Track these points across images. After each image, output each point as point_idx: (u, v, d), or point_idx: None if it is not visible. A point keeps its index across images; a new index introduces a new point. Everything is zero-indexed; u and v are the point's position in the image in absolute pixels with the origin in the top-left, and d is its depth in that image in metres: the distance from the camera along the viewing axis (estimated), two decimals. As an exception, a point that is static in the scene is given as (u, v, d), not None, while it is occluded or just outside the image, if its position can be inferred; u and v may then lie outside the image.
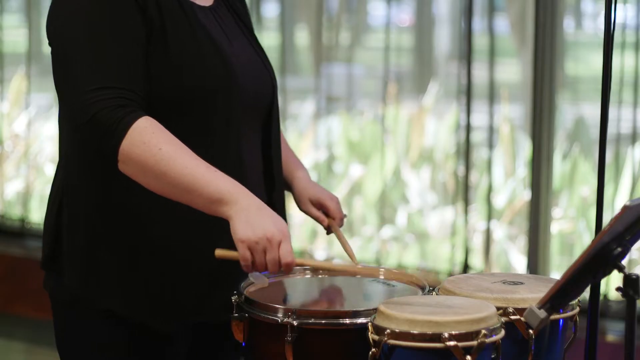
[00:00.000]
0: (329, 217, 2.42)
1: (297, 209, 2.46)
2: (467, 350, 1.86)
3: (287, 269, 2.04)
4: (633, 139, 4.38)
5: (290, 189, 2.46)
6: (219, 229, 2.12)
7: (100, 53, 2.06)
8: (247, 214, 2.01)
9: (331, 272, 2.32)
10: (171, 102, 2.13)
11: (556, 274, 4.44)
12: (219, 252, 2.07)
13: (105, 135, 2.02)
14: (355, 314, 1.99)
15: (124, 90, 2.05)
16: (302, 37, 5.59)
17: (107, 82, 2.04)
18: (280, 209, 2.34)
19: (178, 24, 2.15)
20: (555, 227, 4.62)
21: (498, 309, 1.97)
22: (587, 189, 4.76)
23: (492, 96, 4.62)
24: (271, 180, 2.33)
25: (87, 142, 2.08)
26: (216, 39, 2.20)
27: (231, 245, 2.05)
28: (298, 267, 2.29)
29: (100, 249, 2.17)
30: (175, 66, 2.13)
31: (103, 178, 2.15)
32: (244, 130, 2.23)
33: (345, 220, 2.44)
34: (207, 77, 2.16)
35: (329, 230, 2.43)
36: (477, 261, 4.73)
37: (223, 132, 2.18)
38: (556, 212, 4.68)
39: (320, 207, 2.42)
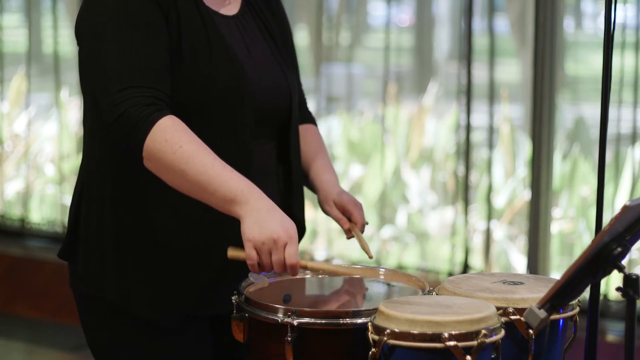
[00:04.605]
0: (351, 222, 2.42)
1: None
2: (467, 350, 1.86)
3: (291, 270, 2.06)
4: (633, 139, 4.38)
5: (315, 189, 2.47)
6: (226, 225, 2.16)
7: (129, 54, 2.13)
8: (257, 215, 2.05)
9: (333, 274, 2.32)
10: (182, 107, 2.17)
11: (556, 274, 4.44)
12: (231, 253, 2.11)
13: (132, 133, 2.08)
14: (355, 314, 1.99)
15: (152, 90, 2.11)
16: (302, 37, 5.59)
17: (136, 82, 2.10)
18: (299, 215, 2.37)
19: (194, 32, 2.20)
20: (555, 227, 4.62)
21: (498, 309, 1.97)
22: (587, 189, 4.76)
23: (492, 96, 4.62)
24: (290, 186, 2.37)
25: (116, 140, 2.14)
26: (232, 48, 2.25)
27: (238, 241, 2.08)
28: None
29: (109, 243, 2.23)
30: (188, 72, 2.18)
31: (117, 172, 2.22)
32: (257, 138, 2.27)
33: (366, 227, 2.44)
34: (218, 85, 2.20)
35: (349, 235, 2.42)
36: (477, 261, 4.73)
37: (231, 138, 2.22)
38: (556, 212, 4.68)
39: (344, 211, 2.42)
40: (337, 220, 2.43)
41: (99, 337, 2.30)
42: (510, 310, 2.00)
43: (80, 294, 2.31)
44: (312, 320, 1.98)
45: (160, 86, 2.13)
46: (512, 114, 5.14)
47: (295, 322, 1.97)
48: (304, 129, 2.50)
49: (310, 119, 2.55)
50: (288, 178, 2.38)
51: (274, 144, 2.34)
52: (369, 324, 1.93)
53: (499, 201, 4.99)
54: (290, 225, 2.07)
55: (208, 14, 2.24)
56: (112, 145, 2.20)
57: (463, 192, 4.73)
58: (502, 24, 5.21)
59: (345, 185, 5.22)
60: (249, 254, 2.05)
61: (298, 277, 2.29)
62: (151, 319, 2.23)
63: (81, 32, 2.23)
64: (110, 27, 2.15)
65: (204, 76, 2.19)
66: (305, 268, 2.13)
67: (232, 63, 2.23)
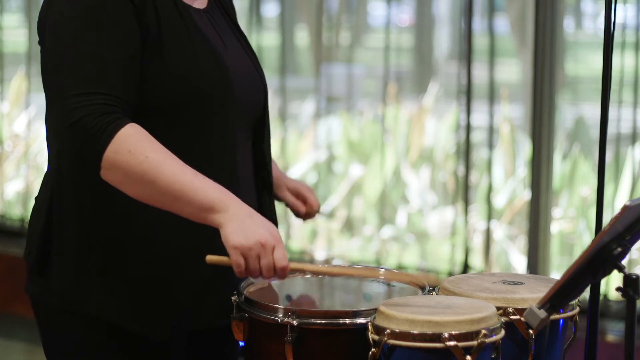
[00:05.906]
0: (306, 206, 2.49)
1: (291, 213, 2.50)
2: (467, 350, 1.86)
3: (281, 273, 2.03)
4: (633, 139, 4.38)
5: None
6: (211, 234, 2.10)
7: (88, 57, 2.01)
8: (238, 221, 1.99)
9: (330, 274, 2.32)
10: (167, 108, 2.10)
11: (556, 274, 4.44)
12: (210, 258, 2.05)
13: (89, 142, 1.97)
14: (355, 314, 1.99)
15: (110, 97, 2.00)
16: (302, 37, 5.59)
17: (92, 88, 1.99)
18: (270, 211, 2.34)
19: (175, 29, 2.12)
20: (555, 227, 4.62)
21: (498, 309, 1.97)
22: (587, 189, 4.76)
23: (492, 96, 4.62)
24: (263, 183, 2.32)
25: (69, 147, 2.02)
26: (212, 43, 2.18)
27: (223, 250, 2.03)
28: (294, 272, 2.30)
29: (90, 254, 2.12)
30: (171, 72, 2.09)
31: (93, 181, 2.07)
32: (238, 135, 2.21)
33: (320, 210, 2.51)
34: (204, 82, 2.13)
35: (306, 217, 2.49)
36: (477, 261, 4.73)
37: (219, 137, 2.16)
38: (556, 212, 4.68)
39: (298, 196, 2.46)
40: (292, 205, 2.46)
41: (67, 354, 2.18)
42: (510, 310, 2.00)
43: (52, 308, 2.17)
44: (312, 320, 1.98)
45: (118, 92, 2.01)
46: (512, 114, 5.14)
47: (295, 322, 1.97)
48: None
49: None
50: (262, 175, 2.32)
51: (250, 140, 2.28)
52: (369, 324, 1.93)
53: (499, 201, 4.99)
54: (274, 229, 2.03)
55: (185, 9, 2.16)
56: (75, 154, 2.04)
57: (463, 192, 4.73)
58: (502, 24, 5.22)
59: (345, 185, 5.22)
60: (236, 260, 1.99)
61: (298, 277, 2.29)
62: (139, 332, 2.14)
63: (43, 29, 2.10)
64: (74, 26, 2.03)
65: (187, 73, 2.11)
66: (294, 271, 2.12)
67: (214, 56, 2.16)
